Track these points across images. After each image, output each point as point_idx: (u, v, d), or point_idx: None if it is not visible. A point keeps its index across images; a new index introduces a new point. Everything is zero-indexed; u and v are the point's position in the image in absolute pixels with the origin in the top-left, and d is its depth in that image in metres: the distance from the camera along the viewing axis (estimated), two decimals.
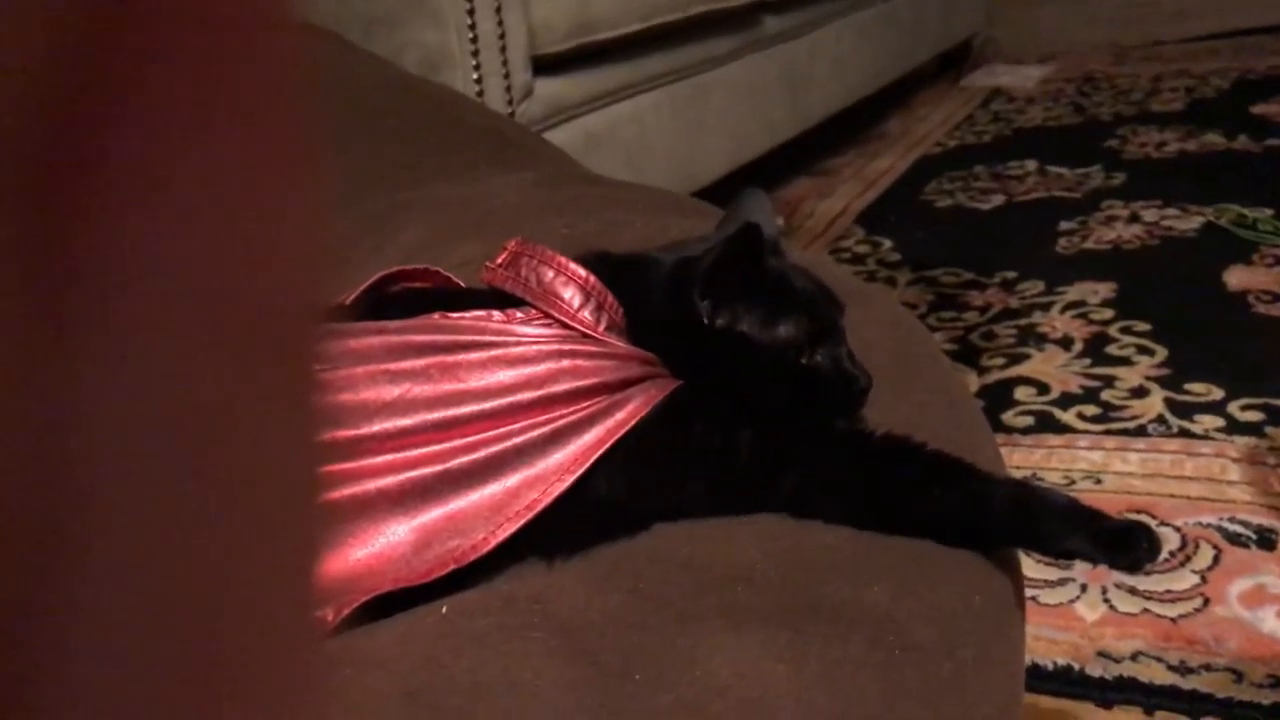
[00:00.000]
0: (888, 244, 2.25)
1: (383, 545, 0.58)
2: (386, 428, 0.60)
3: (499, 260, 0.69)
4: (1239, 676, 0.98)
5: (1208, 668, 1.00)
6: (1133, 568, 0.64)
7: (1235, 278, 1.84)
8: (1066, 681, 1.01)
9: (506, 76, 1.59)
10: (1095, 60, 3.86)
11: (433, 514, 0.60)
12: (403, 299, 0.73)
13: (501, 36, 1.57)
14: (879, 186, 2.68)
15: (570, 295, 0.66)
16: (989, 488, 0.64)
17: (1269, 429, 1.37)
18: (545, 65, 1.69)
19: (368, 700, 0.49)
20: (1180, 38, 3.93)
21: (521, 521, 0.60)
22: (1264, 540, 1.17)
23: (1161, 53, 3.84)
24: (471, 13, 1.52)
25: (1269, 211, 2.07)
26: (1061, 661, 1.03)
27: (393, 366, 0.62)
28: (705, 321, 0.68)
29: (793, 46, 2.55)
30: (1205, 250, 1.99)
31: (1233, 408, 1.43)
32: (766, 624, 0.54)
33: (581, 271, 0.67)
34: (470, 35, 1.53)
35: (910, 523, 0.64)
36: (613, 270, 0.69)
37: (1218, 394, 1.47)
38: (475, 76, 1.55)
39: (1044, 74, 3.71)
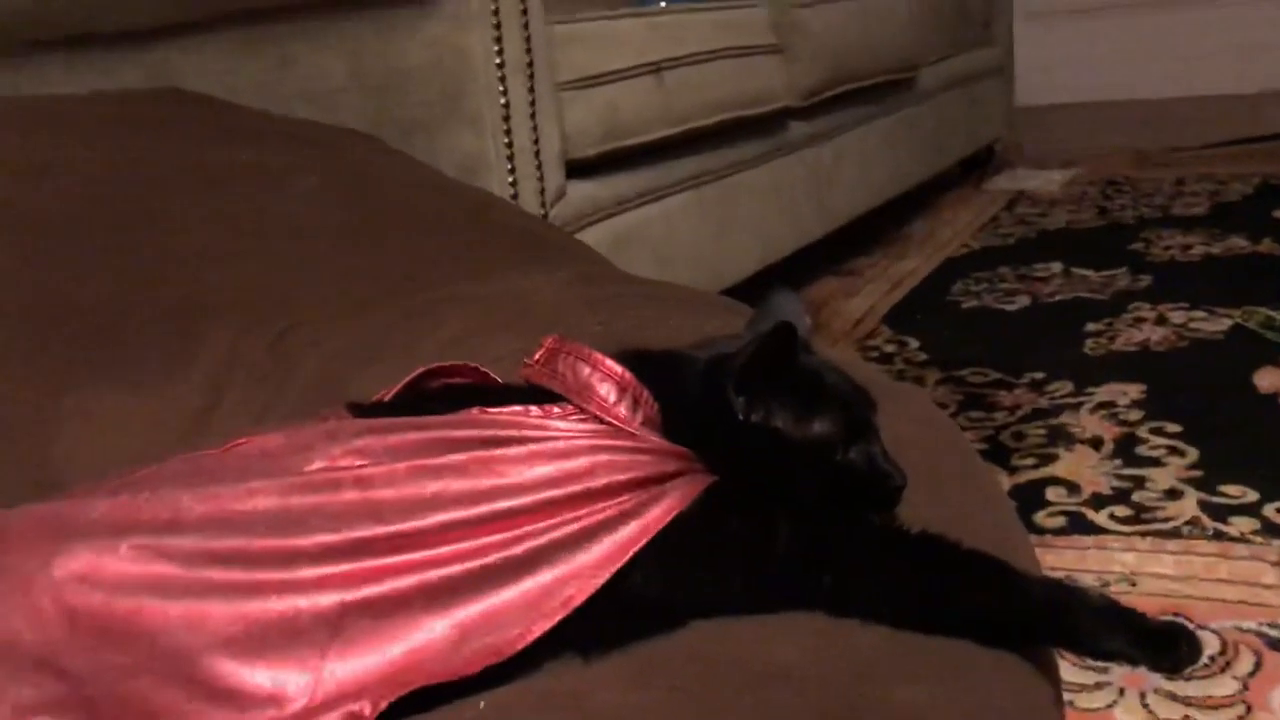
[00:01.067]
0: (915, 343, 2.26)
1: (421, 640, 0.59)
2: (426, 524, 0.61)
3: (537, 357, 0.71)
4: None
5: None
6: (1173, 670, 0.64)
7: (1266, 379, 1.83)
8: None
9: (541, 180, 1.62)
10: (1117, 164, 3.91)
11: (470, 610, 0.60)
12: (442, 394, 0.74)
13: (536, 142, 1.61)
14: (905, 287, 2.70)
15: (606, 391, 0.67)
16: (1026, 587, 0.64)
17: None
18: (578, 168, 1.73)
19: None
20: (1201, 144, 3.98)
21: (558, 618, 0.60)
22: None
23: (1182, 158, 3.88)
24: (508, 119, 1.56)
25: None
26: None
27: (432, 462, 0.63)
28: (740, 417, 0.68)
29: (819, 150, 2.59)
30: (1234, 352, 1.99)
31: (1268, 510, 1.41)
32: None
33: (618, 368, 0.68)
34: (506, 140, 1.57)
35: (948, 622, 0.63)
36: (648, 366, 0.70)
37: (1252, 496, 1.45)
38: (510, 180, 1.58)
39: (1067, 177, 3.76)
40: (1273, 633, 1.17)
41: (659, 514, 0.63)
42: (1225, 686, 1.10)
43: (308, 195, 1.31)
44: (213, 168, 1.30)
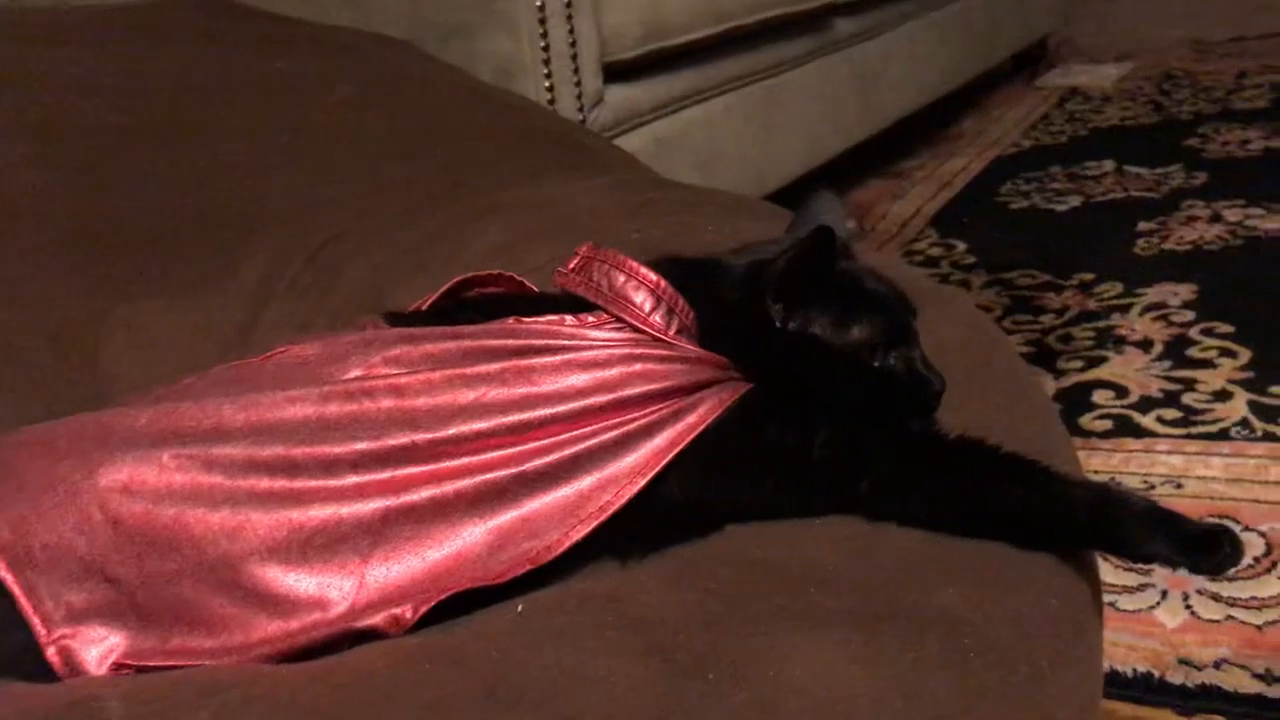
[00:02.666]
0: (962, 246, 2.23)
1: (459, 546, 0.60)
2: (463, 431, 0.61)
3: (571, 265, 0.70)
4: None
5: None
6: (1215, 571, 0.63)
7: None
8: (1146, 689, 0.99)
9: (578, 84, 1.60)
10: (1175, 57, 3.77)
11: (508, 516, 0.61)
12: (478, 304, 0.74)
13: (573, 44, 1.58)
14: (953, 188, 2.65)
15: (641, 299, 0.67)
16: (1067, 490, 0.63)
17: None
18: (616, 72, 1.70)
19: (446, 695, 0.50)
20: (1264, 33, 3.83)
21: (595, 523, 0.61)
22: None
23: (1245, 48, 3.74)
24: (544, 21, 1.54)
25: None
26: (1141, 668, 1.01)
27: (469, 371, 0.63)
28: (778, 325, 0.68)
29: (865, 48, 2.53)
30: None
31: None
32: (842, 626, 0.54)
33: (653, 276, 0.68)
34: (543, 44, 1.54)
35: (986, 525, 0.63)
36: (684, 274, 0.69)
37: None
38: (547, 84, 1.56)
39: (1122, 72, 3.64)
40: None
41: (694, 421, 0.63)
42: (1270, 587, 1.09)
43: (345, 104, 1.30)
44: (248, 78, 1.29)
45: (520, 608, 0.57)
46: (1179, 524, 0.63)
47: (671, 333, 0.66)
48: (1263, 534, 1.18)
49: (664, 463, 0.62)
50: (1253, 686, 0.97)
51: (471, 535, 0.60)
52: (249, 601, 0.56)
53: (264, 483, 0.58)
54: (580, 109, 1.61)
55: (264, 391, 0.62)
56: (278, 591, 0.56)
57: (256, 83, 1.28)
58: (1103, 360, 1.63)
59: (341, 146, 1.25)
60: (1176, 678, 1.00)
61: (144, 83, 1.24)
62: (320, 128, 1.26)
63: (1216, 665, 1.00)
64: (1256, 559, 1.14)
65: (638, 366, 0.64)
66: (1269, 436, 1.36)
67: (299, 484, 0.58)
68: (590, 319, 0.67)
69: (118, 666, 0.56)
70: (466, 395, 0.62)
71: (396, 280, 1.01)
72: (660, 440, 0.62)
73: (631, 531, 0.62)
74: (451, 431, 0.61)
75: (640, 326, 0.66)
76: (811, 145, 2.32)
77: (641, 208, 1.02)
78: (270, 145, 1.21)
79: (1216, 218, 2.15)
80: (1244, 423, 1.40)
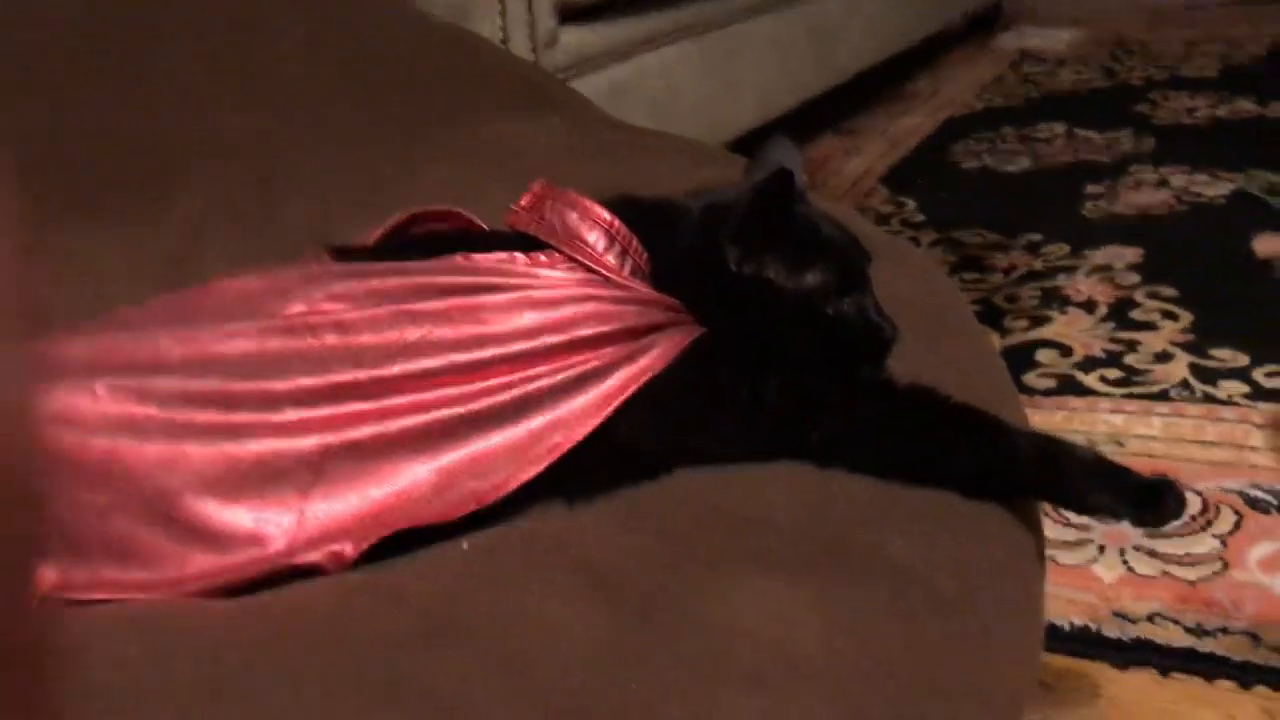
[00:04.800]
0: (912, 205, 2.23)
1: (404, 485, 0.58)
2: (409, 369, 0.60)
3: (523, 202, 0.69)
4: (1256, 640, 0.98)
5: (1224, 630, 0.99)
6: (1158, 524, 0.64)
7: (1264, 245, 1.81)
8: (1083, 642, 1.01)
9: (532, 24, 1.57)
10: (1127, 24, 3.80)
11: (455, 455, 0.59)
12: (426, 240, 0.72)
13: None
14: (905, 146, 2.65)
15: (594, 239, 0.66)
16: (1015, 440, 0.64)
17: None
18: (571, 13, 1.67)
19: (386, 632, 0.48)
20: (1215, 1, 3.86)
21: (544, 464, 0.60)
22: None
23: (1195, 17, 3.77)
24: None
25: None
26: (1079, 622, 1.03)
27: (415, 307, 0.62)
28: (733, 268, 0.67)
29: (823, 2, 2.51)
30: (1234, 217, 1.96)
31: (1257, 374, 1.41)
32: (792, 570, 0.54)
33: (606, 215, 0.66)
34: None
35: (935, 474, 0.63)
36: (638, 215, 0.68)
37: (1242, 360, 1.45)
38: (500, 24, 1.53)
39: (1075, 37, 3.66)
40: (1254, 492, 1.19)
41: (646, 363, 0.63)
42: (1204, 545, 1.11)
43: (299, 43, 1.26)
44: (202, 14, 1.25)
45: (465, 546, 0.56)
46: (1124, 477, 0.63)
47: (625, 273, 0.65)
48: (1198, 493, 1.20)
49: (615, 405, 0.61)
50: (1184, 640, 0.99)
51: (416, 474, 0.58)
52: (184, 536, 0.55)
53: (200, 415, 0.56)
54: (533, 50, 1.58)
55: (203, 324, 0.60)
56: (214, 526, 0.55)
57: (208, 19, 1.24)
58: (1048, 320, 1.65)
59: (293, 85, 1.21)
60: (1112, 631, 1.01)
61: (96, 10, 1.19)
62: (273, 65, 1.23)
63: (1150, 619, 1.02)
64: (1192, 516, 1.15)
65: (589, 306, 0.63)
66: (1207, 398, 1.38)
67: (237, 417, 0.56)
68: (542, 258, 0.66)
69: (49, 599, 0.54)
70: (413, 332, 0.61)
71: (344, 217, 0.99)
72: (612, 383, 0.61)
73: (581, 474, 0.61)
74: (397, 369, 0.60)
75: (593, 266, 0.65)
76: (767, 97, 2.30)
77: (597, 150, 1.00)
78: (218, 81, 1.18)
79: (1163, 183, 2.17)
80: (1184, 384, 1.42)
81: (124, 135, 1.06)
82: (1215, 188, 2.11)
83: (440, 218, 0.74)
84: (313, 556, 0.55)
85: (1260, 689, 0.93)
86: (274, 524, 0.55)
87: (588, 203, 0.67)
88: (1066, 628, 1.02)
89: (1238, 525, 1.14)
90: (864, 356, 0.69)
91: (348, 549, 0.56)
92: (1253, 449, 1.27)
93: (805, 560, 0.55)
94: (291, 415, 0.57)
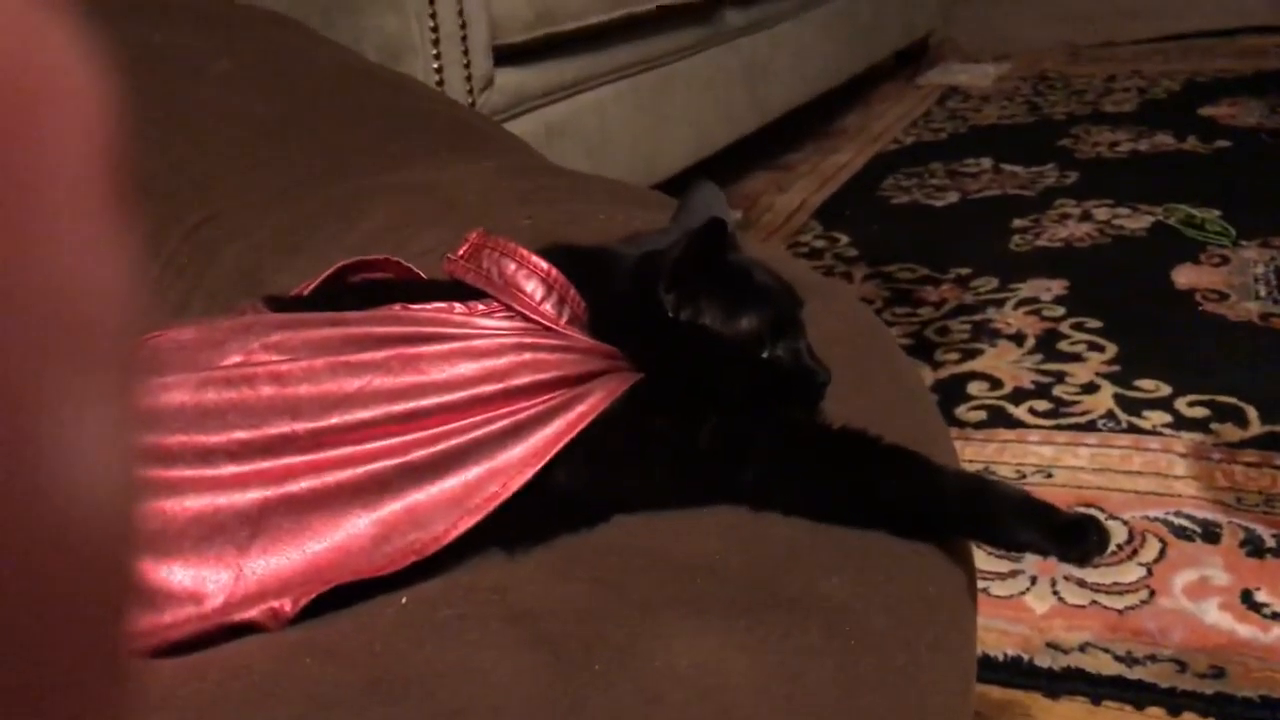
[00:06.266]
0: (844, 239, 2.27)
1: (342, 538, 0.58)
2: (347, 420, 0.60)
3: (461, 252, 0.69)
4: (1182, 667, 1.01)
5: (1153, 658, 1.02)
6: (1082, 560, 0.65)
7: (1183, 276, 1.87)
8: (1016, 672, 1.03)
9: (467, 66, 1.58)
10: (1050, 59, 3.91)
11: (392, 507, 0.59)
12: (363, 289, 0.73)
13: (463, 25, 1.56)
14: (836, 182, 2.70)
15: (532, 288, 0.67)
16: (944, 480, 0.65)
17: (1214, 425, 1.40)
18: (507, 55, 1.68)
19: (327, 690, 0.48)
20: (1132, 39, 3.99)
21: (481, 515, 0.60)
22: (1208, 534, 1.19)
23: (1114, 53, 3.89)
24: (432, 0, 1.51)
25: (1216, 212, 2.11)
26: (1012, 652, 1.05)
27: (353, 359, 0.62)
28: (669, 315, 0.68)
29: (755, 40, 2.56)
30: (1155, 249, 2.03)
31: (1180, 404, 1.46)
32: (726, 614, 0.55)
33: (544, 264, 0.67)
34: (431, 23, 1.52)
35: (867, 515, 0.64)
36: (575, 263, 0.69)
37: (1165, 390, 1.50)
38: (436, 65, 1.54)
39: (1000, 72, 3.75)
40: (1178, 521, 1.22)
41: (583, 411, 0.63)
42: (1131, 573, 1.14)
43: (223, 80, 1.26)
44: (122, 50, 1.24)
45: (404, 600, 0.56)
46: (1049, 514, 0.65)
47: (563, 322, 0.66)
48: (1125, 522, 1.23)
49: (552, 453, 0.62)
50: (1114, 668, 1.02)
51: (355, 527, 0.58)
52: None
53: None
54: (469, 91, 1.59)
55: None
56: (149, 584, 0.54)
57: (132, 56, 1.23)
58: (978, 353, 1.68)
59: (219, 123, 1.21)
60: (1044, 661, 1.04)
61: None
62: (197, 103, 1.22)
63: (1081, 649, 1.05)
64: (1120, 545, 1.19)
65: (527, 356, 0.63)
66: (1132, 428, 1.42)
67: (174, 473, 0.56)
68: (480, 307, 0.66)
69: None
70: (350, 383, 0.61)
71: (277, 262, 0.99)
72: (549, 431, 0.62)
73: (519, 522, 0.61)
74: (334, 420, 0.60)
75: (531, 315, 0.66)
76: (701, 135, 2.33)
77: (532, 193, 1.01)
78: (144, 121, 1.17)
79: (1087, 216, 2.23)
80: (1110, 415, 1.46)
81: None
82: (1136, 220, 2.17)
83: (377, 266, 0.75)
84: (251, 613, 0.55)
85: (1188, 715, 0.96)
86: (212, 581, 0.55)
87: (525, 252, 0.68)
88: (1000, 658, 1.04)
89: (1162, 553, 1.17)
90: (798, 399, 0.70)
91: (286, 605, 0.55)
92: (1176, 478, 1.31)
93: (740, 603, 0.56)
94: (229, 469, 0.57)
